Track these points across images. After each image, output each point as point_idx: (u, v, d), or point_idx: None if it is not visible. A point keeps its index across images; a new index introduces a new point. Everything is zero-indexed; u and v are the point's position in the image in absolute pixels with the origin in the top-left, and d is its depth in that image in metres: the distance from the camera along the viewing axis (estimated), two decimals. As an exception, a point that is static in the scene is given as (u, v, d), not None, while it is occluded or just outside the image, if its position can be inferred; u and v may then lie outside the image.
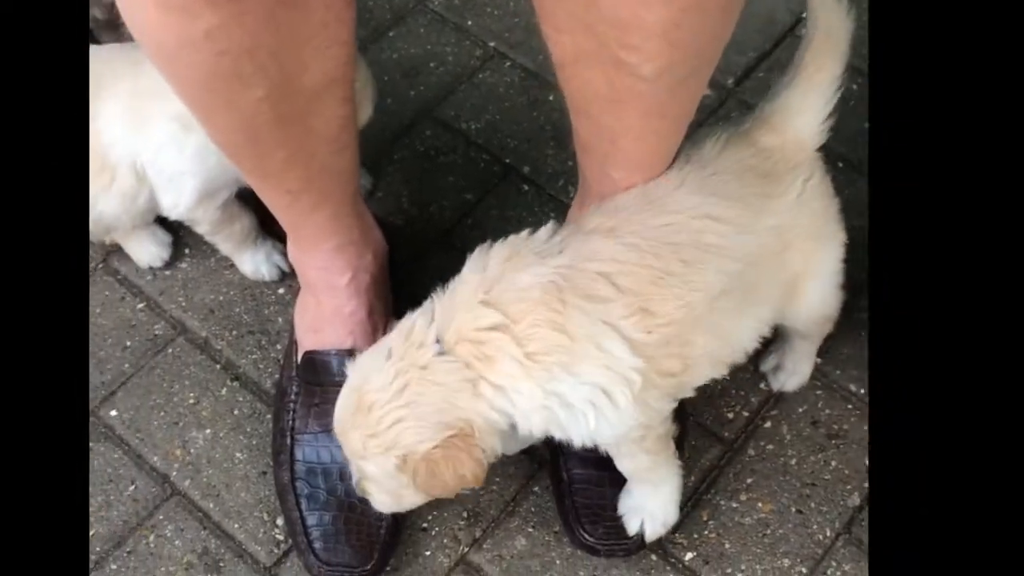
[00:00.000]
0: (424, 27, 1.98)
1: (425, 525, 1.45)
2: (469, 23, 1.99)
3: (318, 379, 1.45)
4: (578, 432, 1.20)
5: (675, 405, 1.27)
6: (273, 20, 1.06)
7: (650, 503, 1.37)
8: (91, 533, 1.44)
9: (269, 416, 1.53)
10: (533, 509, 1.46)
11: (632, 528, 1.38)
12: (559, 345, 1.15)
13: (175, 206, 1.54)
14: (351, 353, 1.42)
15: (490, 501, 1.47)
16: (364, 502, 1.39)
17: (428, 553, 1.43)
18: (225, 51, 1.06)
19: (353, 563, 1.37)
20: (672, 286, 1.18)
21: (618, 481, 1.41)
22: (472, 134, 1.84)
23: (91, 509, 1.46)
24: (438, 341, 1.17)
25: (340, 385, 1.41)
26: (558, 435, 1.22)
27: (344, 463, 1.42)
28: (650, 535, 1.38)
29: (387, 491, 1.25)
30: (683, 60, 1.12)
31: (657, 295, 1.18)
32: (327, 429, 1.42)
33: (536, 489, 1.47)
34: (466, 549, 1.43)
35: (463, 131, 1.84)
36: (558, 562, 1.42)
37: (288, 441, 1.44)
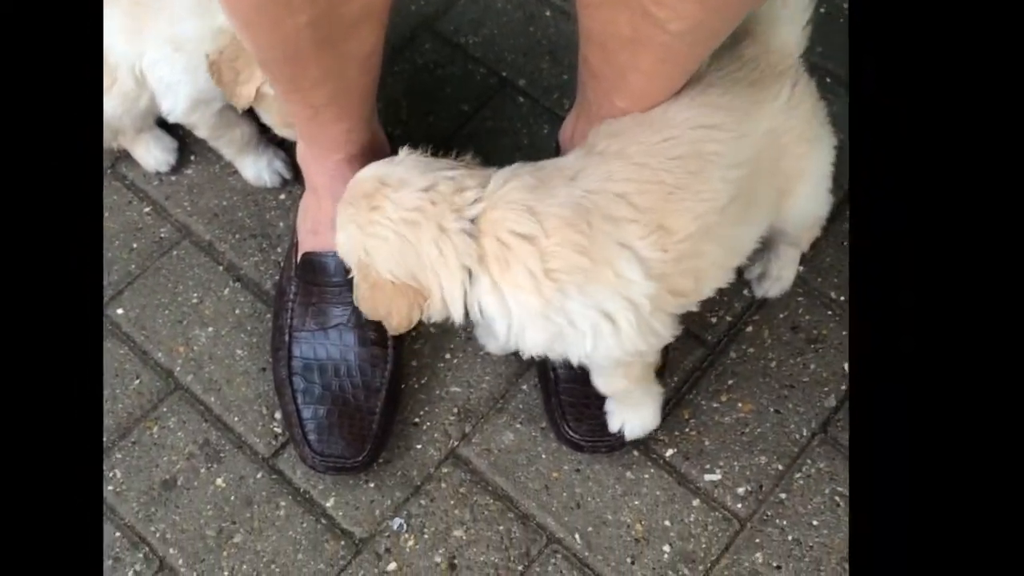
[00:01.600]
0: (425, -57, 1.89)
1: (416, 420, 1.41)
2: (469, -60, 1.89)
3: (316, 279, 1.40)
4: (575, 352, 1.16)
5: (676, 334, 1.21)
6: None
7: (630, 414, 1.33)
8: (97, 424, 1.41)
9: (269, 316, 1.48)
10: (521, 406, 1.41)
11: (613, 427, 1.34)
12: (579, 267, 1.10)
13: (171, 111, 1.48)
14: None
15: (480, 398, 1.42)
16: (357, 397, 1.35)
17: (419, 447, 1.39)
18: None
19: (346, 454, 1.33)
20: (684, 199, 1.13)
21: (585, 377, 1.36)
22: (470, 48, 1.76)
23: (98, 401, 1.42)
24: (472, 220, 1.11)
25: (337, 286, 1.37)
26: (554, 354, 1.17)
27: (339, 360, 1.38)
28: (628, 437, 1.34)
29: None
30: (711, 22, 1.08)
31: (672, 210, 1.12)
32: (323, 327, 1.38)
33: (524, 387, 1.43)
34: (456, 443, 1.39)
35: (461, 45, 1.76)
36: (544, 456, 1.38)
37: (286, 338, 1.40)
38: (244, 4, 1.08)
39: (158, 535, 1.32)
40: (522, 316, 1.12)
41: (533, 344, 1.15)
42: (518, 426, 1.40)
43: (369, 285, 1.14)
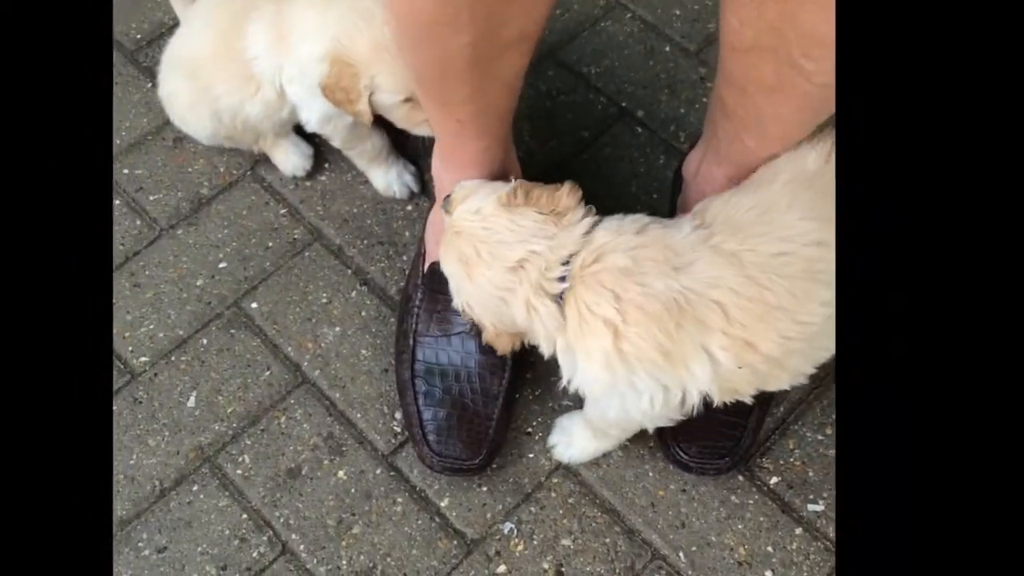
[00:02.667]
0: (552, -24, 1.88)
1: (529, 430, 1.39)
2: (594, -25, 1.88)
3: (442, 288, 1.38)
4: (623, 406, 1.16)
5: None
6: None
7: (579, 440, 1.33)
8: (229, 411, 1.41)
9: (392, 319, 1.48)
10: (630, 424, 1.39)
11: (551, 439, 1.37)
12: (652, 361, 1.08)
13: (308, 122, 1.50)
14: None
15: (591, 413, 1.40)
16: (476, 403, 1.34)
17: (531, 456, 1.37)
18: (451, 1, 1.01)
19: (463, 456, 1.32)
20: (779, 321, 1.07)
21: (710, 405, 1.33)
22: (591, 77, 1.75)
23: (231, 390, 1.42)
24: (560, 295, 1.10)
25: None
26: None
27: (460, 366, 1.37)
28: (556, 455, 1.36)
29: None
30: None
31: (763, 331, 1.07)
32: (447, 334, 1.37)
33: (634, 406, 1.40)
34: (566, 455, 1.37)
35: (583, 74, 1.75)
36: (651, 474, 1.35)
37: (410, 342, 1.39)
38: (417, 24, 1.08)
39: (282, 520, 1.32)
40: (587, 378, 1.12)
41: (591, 393, 1.16)
42: (626, 443, 1.37)
43: (472, 319, 1.18)
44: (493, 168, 1.35)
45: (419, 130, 1.45)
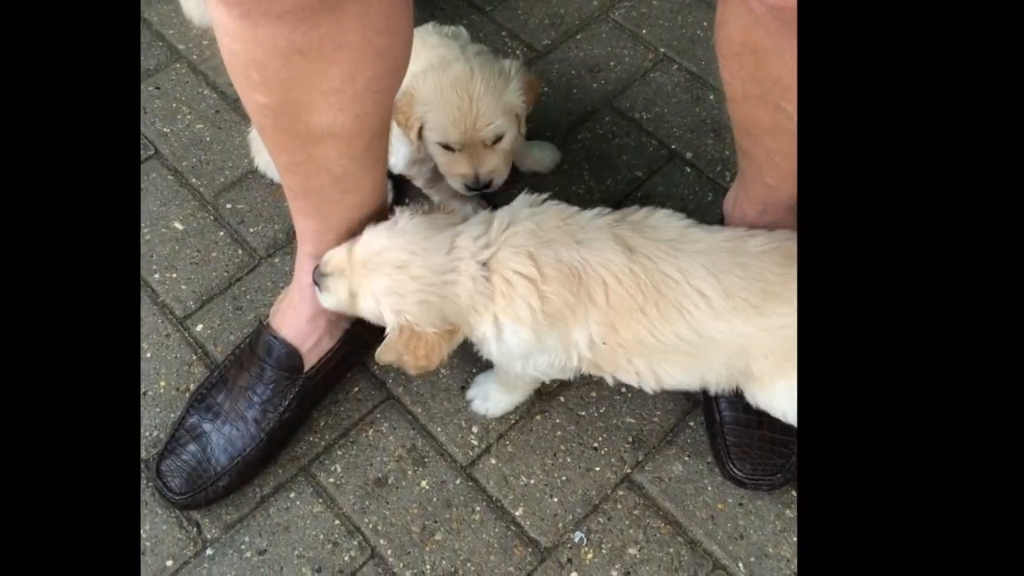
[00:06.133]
0: (606, 33, 1.82)
1: (595, 445, 1.31)
2: (643, 31, 1.81)
3: None
4: (503, 350, 1.12)
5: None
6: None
7: (494, 395, 1.29)
8: (322, 423, 1.34)
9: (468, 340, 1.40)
10: (689, 441, 1.30)
11: (469, 395, 1.32)
12: (562, 318, 1.07)
13: (395, 166, 1.48)
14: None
15: (652, 430, 1.32)
16: None
17: (597, 469, 1.29)
18: (238, 54, 0.96)
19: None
20: (639, 322, 1.06)
21: (763, 424, 1.25)
22: (644, 122, 1.68)
23: (323, 403, 1.35)
24: (485, 263, 1.07)
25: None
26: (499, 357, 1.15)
27: None
28: (473, 408, 1.31)
29: (341, 303, 1.13)
30: None
31: (626, 322, 1.07)
32: None
33: (692, 424, 1.32)
34: (630, 470, 1.28)
35: (636, 120, 1.68)
36: (709, 489, 1.26)
37: None
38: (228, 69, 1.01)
39: (371, 526, 1.25)
40: (516, 345, 1.09)
41: (511, 355, 1.12)
42: (686, 459, 1.29)
43: (406, 340, 1.08)
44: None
45: (451, 180, 1.44)
